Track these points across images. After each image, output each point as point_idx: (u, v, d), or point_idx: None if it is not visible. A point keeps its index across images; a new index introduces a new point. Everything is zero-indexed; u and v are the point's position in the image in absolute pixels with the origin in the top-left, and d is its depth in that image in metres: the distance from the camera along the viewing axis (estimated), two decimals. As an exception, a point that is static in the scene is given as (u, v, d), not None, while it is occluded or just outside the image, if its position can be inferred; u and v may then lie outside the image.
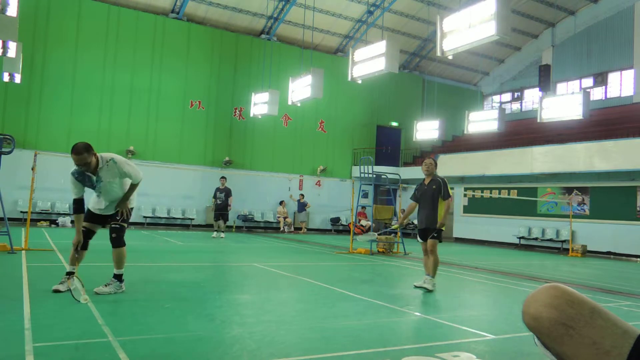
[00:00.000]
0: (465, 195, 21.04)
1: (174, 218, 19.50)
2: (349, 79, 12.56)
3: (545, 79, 19.57)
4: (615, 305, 6.35)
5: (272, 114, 17.75)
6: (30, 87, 17.53)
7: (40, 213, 17.23)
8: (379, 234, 7.49)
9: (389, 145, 24.97)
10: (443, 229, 6.83)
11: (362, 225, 20.75)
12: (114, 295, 5.27)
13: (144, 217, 18.68)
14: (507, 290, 7.54)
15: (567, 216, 16.86)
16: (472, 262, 11.61)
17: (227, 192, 15.36)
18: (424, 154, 24.59)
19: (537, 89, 21.19)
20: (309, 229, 22.02)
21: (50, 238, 11.56)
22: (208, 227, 19.52)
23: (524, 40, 25.52)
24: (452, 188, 7.12)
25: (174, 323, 4.19)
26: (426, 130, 20.13)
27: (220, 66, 21.09)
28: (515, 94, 26.59)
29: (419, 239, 7.01)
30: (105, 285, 5.33)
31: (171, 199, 19.33)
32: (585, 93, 14.74)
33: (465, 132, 19.36)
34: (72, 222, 17.31)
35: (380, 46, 11.45)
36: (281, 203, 21.44)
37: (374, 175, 13.71)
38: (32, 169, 9.00)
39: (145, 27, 19.63)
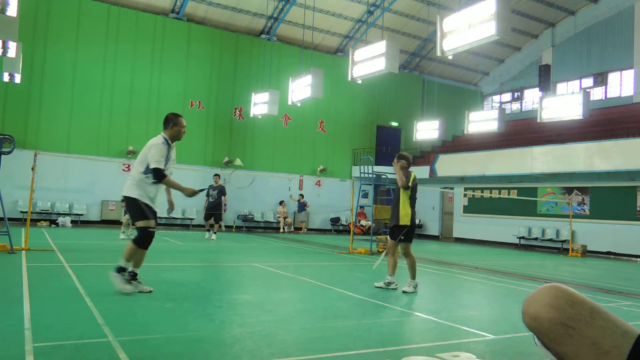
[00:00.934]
0: (465, 195, 21.04)
1: (174, 218, 19.50)
2: (349, 79, 12.55)
3: (545, 79, 19.57)
4: (615, 305, 6.35)
5: (272, 114, 17.75)
6: (30, 87, 17.53)
7: (40, 213, 17.23)
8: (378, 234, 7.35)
9: (389, 145, 24.96)
10: (407, 224, 6.46)
11: (362, 225, 20.75)
12: (114, 295, 5.27)
13: (144, 217, 18.67)
14: (507, 290, 7.53)
15: (567, 216, 16.86)
16: (472, 262, 11.61)
17: (221, 191, 14.62)
18: (424, 154, 24.59)
19: (537, 89, 21.19)
20: (309, 229, 22.02)
21: (50, 238, 11.56)
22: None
23: (524, 40, 25.52)
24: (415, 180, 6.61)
25: (174, 323, 4.19)
26: (426, 130, 20.13)
27: (220, 66, 21.09)
28: (515, 94, 26.58)
29: (388, 236, 6.94)
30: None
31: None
32: (585, 93, 14.74)
33: (465, 132, 19.36)
34: (72, 221, 17.33)
35: (380, 46, 11.45)
36: (281, 203, 21.44)
37: (374, 175, 13.71)
38: (32, 169, 9.00)
39: (145, 27, 19.63)
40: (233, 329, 4.12)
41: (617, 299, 7.03)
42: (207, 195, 14.80)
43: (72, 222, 17.37)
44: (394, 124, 25.60)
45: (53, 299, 4.91)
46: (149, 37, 19.69)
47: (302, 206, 21.78)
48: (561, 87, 23.65)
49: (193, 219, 19.72)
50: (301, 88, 15.42)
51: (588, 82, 22.76)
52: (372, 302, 5.64)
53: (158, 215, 5.78)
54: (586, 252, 16.11)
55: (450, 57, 10.14)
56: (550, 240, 18.09)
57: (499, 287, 7.76)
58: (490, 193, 20.05)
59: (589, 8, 22.97)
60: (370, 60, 11.73)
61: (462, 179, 21.13)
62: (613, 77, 22.18)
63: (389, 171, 18.14)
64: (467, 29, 9.27)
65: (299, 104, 16.19)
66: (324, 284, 6.86)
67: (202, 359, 3.25)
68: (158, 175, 5.44)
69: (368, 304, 5.55)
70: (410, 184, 6.50)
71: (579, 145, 16.60)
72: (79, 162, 17.76)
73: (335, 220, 22.80)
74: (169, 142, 5.69)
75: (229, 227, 20.56)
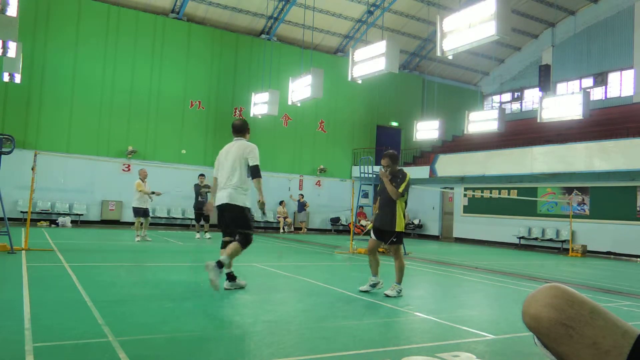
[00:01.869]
0: (465, 195, 21.04)
1: (174, 218, 19.50)
2: (349, 79, 12.55)
3: (545, 79, 19.57)
4: (615, 305, 6.35)
5: (272, 114, 17.75)
6: (30, 87, 17.53)
7: (40, 213, 17.23)
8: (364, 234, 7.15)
9: (389, 145, 24.94)
10: (403, 230, 6.23)
11: (362, 225, 20.75)
12: (114, 295, 5.27)
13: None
14: (507, 290, 7.53)
15: (567, 216, 16.86)
16: (472, 262, 11.61)
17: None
18: (424, 154, 24.60)
19: (537, 89, 21.19)
20: (309, 229, 22.02)
21: (50, 238, 11.56)
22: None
23: (524, 40, 25.53)
24: (411, 185, 6.32)
25: (174, 323, 4.19)
26: (426, 130, 20.13)
27: (220, 66, 21.09)
28: (515, 94, 26.58)
29: (372, 235, 6.44)
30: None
31: (171, 199, 19.31)
32: (585, 93, 14.74)
33: (465, 132, 19.36)
34: (72, 221, 17.33)
35: (380, 46, 11.45)
36: (281, 203, 21.44)
37: (374, 175, 13.71)
38: (32, 169, 9.01)
39: (145, 27, 19.63)
40: (233, 329, 4.12)
41: (617, 299, 7.03)
42: (199, 195, 14.72)
43: (72, 222, 17.37)
44: (394, 124, 25.60)
45: (53, 299, 4.91)
46: (149, 37, 19.69)
47: (302, 206, 21.78)
48: (561, 87, 23.65)
49: (193, 218, 19.69)
50: (301, 88, 15.42)
51: (588, 82, 22.76)
52: (372, 302, 5.64)
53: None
54: (586, 252, 16.12)
55: (450, 57, 10.14)
56: (550, 240, 18.09)
57: (499, 287, 7.75)
58: (490, 193, 20.05)
59: (589, 8, 22.97)
60: (370, 60, 11.73)
61: (462, 179, 21.13)
62: (613, 77, 22.18)
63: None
64: (467, 29, 9.27)
65: (299, 104, 16.20)
66: (323, 284, 6.86)
67: (202, 359, 3.25)
68: (258, 172, 5.87)
69: (368, 304, 5.55)
70: (404, 189, 6.15)
71: (579, 145, 16.60)
72: (79, 162, 17.76)
73: (335, 220, 22.80)
74: None
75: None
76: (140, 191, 12.29)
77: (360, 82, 12.72)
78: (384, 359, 3.42)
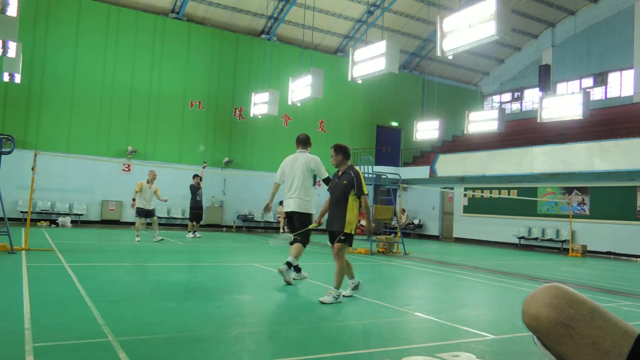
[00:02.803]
0: (465, 195, 21.04)
1: (174, 218, 19.50)
2: (349, 79, 12.55)
3: (545, 79, 19.57)
4: (615, 305, 6.35)
5: (272, 114, 17.74)
6: (30, 87, 17.53)
7: (40, 213, 17.23)
8: (295, 235, 6.78)
9: (389, 145, 24.97)
10: (352, 232, 5.62)
11: (362, 225, 20.73)
12: (114, 295, 5.27)
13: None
14: (507, 290, 7.54)
15: (567, 216, 16.86)
16: (472, 262, 11.61)
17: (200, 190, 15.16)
18: (424, 154, 24.60)
19: (537, 89, 21.19)
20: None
21: (50, 238, 11.56)
22: (208, 227, 19.53)
23: (524, 40, 25.52)
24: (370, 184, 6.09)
25: (174, 323, 4.19)
26: (426, 130, 20.14)
27: (220, 66, 21.09)
28: (515, 94, 26.58)
29: (328, 242, 5.90)
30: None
31: (171, 198, 19.26)
32: (585, 93, 14.74)
33: (465, 132, 19.36)
34: (72, 221, 17.33)
35: (380, 46, 11.45)
36: (281, 203, 21.39)
37: (374, 175, 13.70)
38: (32, 169, 9.01)
39: (145, 27, 19.63)
40: (233, 329, 4.12)
41: (617, 299, 7.03)
42: (195, 195, 14.93)
43: (72, 222, 17.37)
44: (394, 124, 25.60)
45: (53, 299, 4.91)
46: (149, 37, 19.69)
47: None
48: (561, 87, 23.66)
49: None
50: (301, 88, 15.42)
51: (588, 82, 22.76)
52: (372, 302, 5.64)
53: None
54: (586, 252, 16.11)
55: (450, 57, 10.14)
56: (550, 240, 18.09)
57: (499, 287, 7.76)
58: (490, 193, 20.05)
59: (589, 8, 22.96)
60: (370, 60, 11.73)
61: (462, 179, 21.13)
62: (613, 77, 22.18)
63: (389, 171, 18.15)
64: (467, 29, 9.27)
65: (299, 104, 16.20)
66: (324, 284, 6.86)
67: (202, 359, 3.25)
68: (329, 183, 6.59)
69: (368, 304, 5.55)
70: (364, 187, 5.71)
71: (579, 145, 16.60)
72: (79, 162, 17.76)
73: (335, 220, 22.76)
74: None
75: (229, 227, 20.57)
76: (136, 192, 12.52)
77: (360, 82, 12.71)
78: (383, 359, 3.42)
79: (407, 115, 25.07)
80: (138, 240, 12.15)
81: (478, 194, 20.32)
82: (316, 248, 13.62)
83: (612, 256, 16.30)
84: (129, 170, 18.82)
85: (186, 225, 19.65)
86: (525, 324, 0.98)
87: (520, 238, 19.02)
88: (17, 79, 15.36)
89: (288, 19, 21.86)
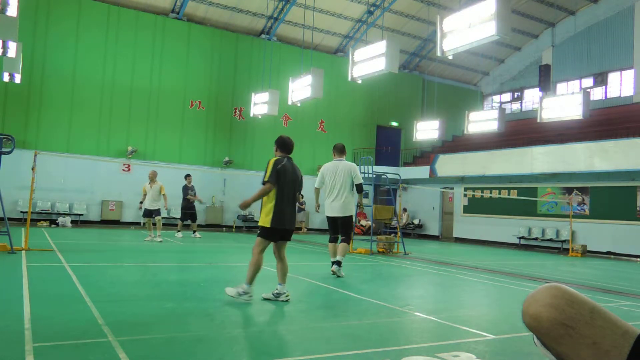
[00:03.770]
0: (465, 195, 21.04)
1: (174, 218, 19.48)
2: (349, 79, 12.55)
3: (545, 79, 19.58)
4: (615, 305, 6.35)
5: (272, 114, 17.74)
6: (30, 87, 17.53)
7: (40, 213, 17.23)
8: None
9: (389, 145, 24.97)
10: (263, 224, 5.55)
11: (362, 225, 20.75)
12: (114, 295, 5.27)
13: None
14: (507, 290, 7.54)
15: (567, 216, 16.86)
16: (472, 262, 11.61)
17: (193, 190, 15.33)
18: (424, 154, 24.61)
19: (537, 89, 21.20)
20: (308, 229, 22.01)
21: (50, 238, 11.56)
22: (208, 227, 19.54)
23: (524, 40, 25.52)
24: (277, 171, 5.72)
25: (174, 323, 4.19)
26: (426, 130, 20.14)
27: (220, 66, 21.09)
28: (515, 94, 26.59)
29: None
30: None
31: (171, 198, 19.26)
32: (585, 93, 14.75)
33: (465, 132, 19.36)
34: (72, 221, 17.32)
35: (380, 46, 11.45)
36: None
37: (374, 175, 13.70)
38: (32, 169, 9.01)
39: (145, 27, 19.63)
40: (233, 329, 4.12)
41: (617, 299, 7.03)
42: (187, 195, 15.10)
43: (72, 222, 17.37)
44: (394, 124, 25.60)
45: (53, 299, 4.91)
46: (149, 37, 19.69)
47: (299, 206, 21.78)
48: (561, 87, 23.66)
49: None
50: (301, 88, 15.42)
51: (588, 82, 22.76)
52: (372, 302, 5.64)
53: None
54: (586, 252, 16.11)
55: (450, 57, 10.15)
56: (550, 240, 18.09)
57: (499, 287, 7.76)
58: (490, 193, 20.05)
59: (589, 8, 22.96)
60: (370, 60, 11.73)
61: (462, 179, 21.13)
62: (613, 77, 22.18)
63: (389, 171, 18.15)
64: (467, 29, 9.27)
65: (299, 104, 16.20)
66: (323, 284, 6.86)
67: (202, 359, 3.25)
68: (361, 189, 7.80)
69: (368, 304, 5.55)
70: (269, 176, 5.54)
71: (579, 145, 16.60)
72: (79, 162, 17.76)
73: (335, 220, 22.75)
74: None
75: (229, 228, 20.57)
76: (143, 195, 12.97)
77: (360, 82, 12.72)
78: (383, 359, 3.42)
79: (407, 115, 25.07)
80: (147, 240, 12.40)
81: (478, 194, 20.32)
82: (315, 248, 13.61)
83: (612, 256, 16.30)
84: (129, 170, 18.82)
85: (186, 225, 19.67)
86: (526, 324, 0.98)
87: (520, 238, 19.02)
88: (17, 78, 15.36)
89: (288, 19, 21.86)
